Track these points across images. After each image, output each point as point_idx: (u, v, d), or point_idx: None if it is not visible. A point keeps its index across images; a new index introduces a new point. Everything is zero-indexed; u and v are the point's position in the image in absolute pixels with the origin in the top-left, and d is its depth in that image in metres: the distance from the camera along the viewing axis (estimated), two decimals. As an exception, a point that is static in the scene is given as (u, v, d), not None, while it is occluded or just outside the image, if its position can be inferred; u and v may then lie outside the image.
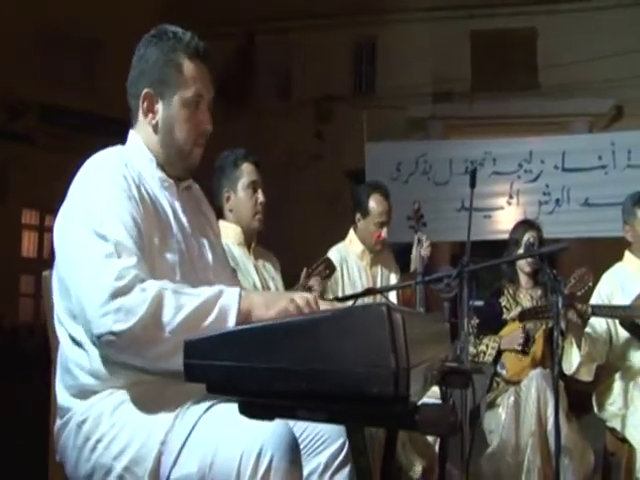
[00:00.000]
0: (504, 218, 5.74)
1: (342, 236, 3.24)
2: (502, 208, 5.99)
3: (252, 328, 1.10)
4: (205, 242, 1.72)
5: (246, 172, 2.51)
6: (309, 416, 1.07)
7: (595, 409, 3.06)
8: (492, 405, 3.03)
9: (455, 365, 1.62)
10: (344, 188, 7.40)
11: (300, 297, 1.39)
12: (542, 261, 3.05)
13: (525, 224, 3.31)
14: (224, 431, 1.35)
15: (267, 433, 1.29)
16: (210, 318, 1.35)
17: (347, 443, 1.70)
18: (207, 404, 1.44)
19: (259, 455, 1.26)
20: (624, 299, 3.00)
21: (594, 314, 2.81)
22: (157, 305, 1.34)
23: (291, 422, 1.71)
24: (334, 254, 3.05)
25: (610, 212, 5.34)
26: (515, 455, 2.71)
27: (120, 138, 1.69)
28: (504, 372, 3.00)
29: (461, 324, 2.48)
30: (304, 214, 8.56)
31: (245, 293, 1.41)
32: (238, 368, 1.04)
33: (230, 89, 10.25)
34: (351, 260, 3.08)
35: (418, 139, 7.78)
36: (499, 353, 3.03)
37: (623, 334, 3.02)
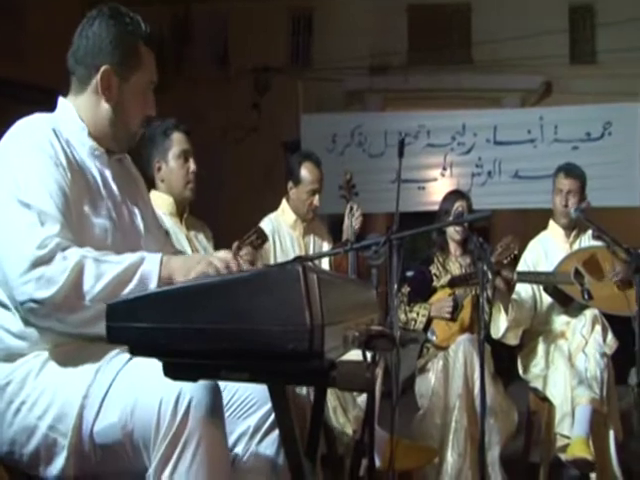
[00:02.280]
0: (438, 189, 5.85)
1: (278, 207, 3.24)
2: (436, 180, 6.11)
3: (172, 290, 1.10)
4: (136, 210, 1.73)
5: (177, 141, 2.48)
6: (232, 376, 1.08)
7: (520, 371, 3.19)
8: (422, 370, 3.12)
9: (380, 329, 1.65)
10: (280, 159, 7.36)
11: (219, 259, 1.40)
12: (470, 230, 3.15)
13: (455, 194, 3.39)
14: (144, 380, 1.36)
15: None
16: (131, 285, 1.37)
17: None
18: (127, 356, 1.44)
19: (178, 398, 1.28)
20: (548, 266, 3.13)
21: (520, 280, 2.92)
22: (78, 273, 1.35)
23: (221, 385, 1.75)
24: (266, 224, 3.05)
25: (539, 184, 5.53)
26: (444, 416, 2.81)
27: (47, 106, 1.66)
28: (434, 338, 3.09)
29: (391, 292, 2.53)
30: (240, 185, 8.49)
31: (166, 259, 1.42)
32: (159, 329, 1.05)
33: (166, 57, 10.01)
34: (283, 230, 3.09)
35: (355, 112, 7.79)
36: (429, 320, 3.11)
37: (547, 300, 3.16)
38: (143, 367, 1.38)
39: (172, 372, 1.13)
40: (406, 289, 3.25)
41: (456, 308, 3.07)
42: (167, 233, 2.21)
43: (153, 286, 1.37)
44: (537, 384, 3.04)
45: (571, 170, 3.20)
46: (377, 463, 2.39)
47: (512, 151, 5.99)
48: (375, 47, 8.84)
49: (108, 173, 1.65)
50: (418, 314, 3.11)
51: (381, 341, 1.70)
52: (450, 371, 2.84)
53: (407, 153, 6.43)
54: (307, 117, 6.26)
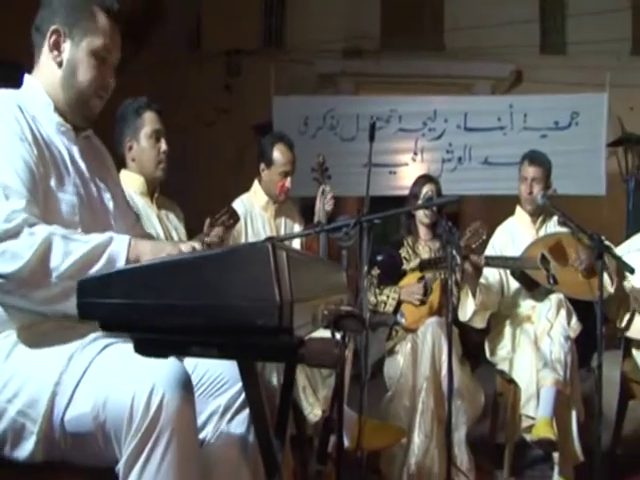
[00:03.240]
0: (409, 174, 5.86)
1: (250, 189, 3.23)
2: (407, 164, 6.13)
3: (143, 266, 1.10)
4: (105, 189, 1.71)
5: (148, 121, 2.45)
6: (202, 352, 1.09)
7: (487, 354, 3.25)
8: (391, 352, 3.16)
9: (350, 309, 1.67)
10: (252, 142, 7.31)
11: (186, 245, 1.40)
12: (439, 214, 3.19)
13: (424, 178, 3.41)
14: (118, 371, 1.36)
15: (160, 372, 1.31)
16: (98, 265, 1.37)
17: None
18: (102, 345, 1.44)
19: (151, 393, 1.27)
20: (515, 251, 3.18)
21: (488, 265, 2.96)
22: (45, 250, 1.34)
23: (192, 365, 1.76)
24: (238, 205, 3.03)
25: (508, 171, 5.58)
26: (412, 398, 2.85)
27: (12, 83, 1.64)
28: (403, 321, 3.12)
29: (360, 274, 2.55)
30: (212, 167, 8.43)
31: (134, 241, 1.42)
32: (130, 305, 1.04)
33: (137, 35, 9.82)
34: (255, 211, 3.08)
35: (327, 95, 7.77)
36: (399, 303, 3.14)
37: (513, 285, 3.22)
38: (118, 357, 1.39)
39: (143, 348, 1.13)
40: (376, 272, 3.27)
41: (426, 292, 3.11)
42: (137, 215, 2.19)
43: (120, 267, 1.36)
44: (503, 367, 3.10)
45: (536, 158, 3.26)
46: (345, 442, 2.42)
47: (482, 138, 6.04)
48: (348, 31, 8.81)
49: (75, 150, 1.64)
50: (388, 297, 3.14)
51: (350, 321, 1.72)
52: (418, 353, 2.88)
53: (378, 137, 6.43)
54: (279, 99, 6.22)
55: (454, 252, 2.76)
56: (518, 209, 3.35)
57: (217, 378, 1.75)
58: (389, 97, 6.49)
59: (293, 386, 1.65)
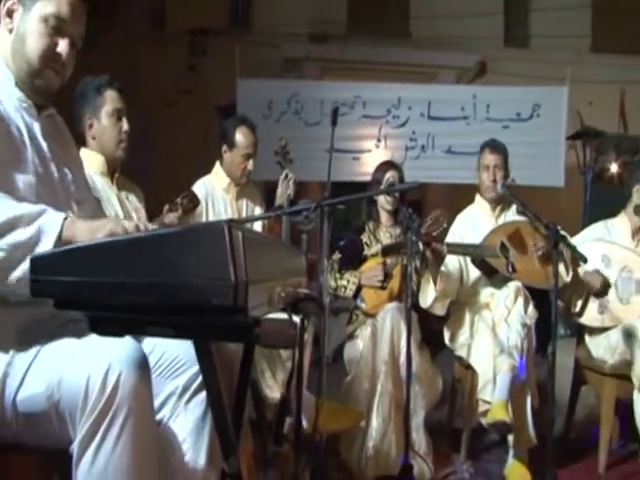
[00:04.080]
0: (372, 160, 5.84)
1: (212, 170, 3.19)
2: (370, 151, 6.13)
3: (98, 244, 1.07)
4: (67, 171, 1.66)
5: (110, 99, 2.40)
6: (158, 332, 1.07)
7: (446, 340, 3.29)
8: (351, 337, 3.17)
9: (308, 292, 1.67)
10: (215, 123, 7.23)
11: (129, 222, 1.35)
12: (401, 201, 3.21)
13: (387, 164, 3.43)
14: (73, 350, 1.34)
15: (116, 351, 1.29)
16: (24, 233, 1.27)
17: None
18: (55, 325, 1.41)
19: (107, 372, 1.26)
20: (474, 239, 3.22)
21: (449, 252, 2.98)
22: None
23: (150, 346, 1.74)
24: (200, 187, 3.01)
25: (471, 160, 5.59)
26: (371, 382, 2.86)
27: None
28: (363, 305, 3.14)
29: (320, 258, 2.55)
30: (176, 148, 8.31)
31: (71, 219, 1.32)
32: (83, 283, 1.02)
33: (100, 11, 9.56)
34: (217, 193, 3.05)
35: (292, 79, 7.71)
36: (359, 288, 3.15)
37: (473, 272, 3.26)
38: (72, 337, 1.36)
39: (98, 327, 1.11)
40: (337, 256, 3.28)
41: (386, 277, 3.12)
42: (98, 200, 2.14)
43: (49, 242, 1.27)
44: (462, 353, 3.15)
45: (496, 146, 3.31)
46: (304, 425, 2.43)
47: (445, 127, 6.08)
48: (315, 16, 8.74)
49: (37, 128, 1.59)
50: (348, 281, 3.14)
51: (308, 304, 1.72)
52: (377, 338, 2.89)
53: (342, 123, 6.42)
54: (243, 82, 6.14)
55: (414, 238, 2.78)
56: (478, 197, 3.39)
57: (175, 359, 1.74)
58: (354, 83, 6.47)
59: (251, 367, 1.64)
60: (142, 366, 1.31)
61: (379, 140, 6.19)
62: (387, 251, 3.01)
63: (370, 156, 6.12)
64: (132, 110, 2.49)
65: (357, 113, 6.13)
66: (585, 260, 2.78)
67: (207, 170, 3.20)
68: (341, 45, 8.39)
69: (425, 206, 7.32)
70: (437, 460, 2.94)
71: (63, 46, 1.56)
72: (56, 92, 1.65)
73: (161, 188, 3.53)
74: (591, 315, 3.27)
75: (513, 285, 2.93)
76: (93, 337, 1.27)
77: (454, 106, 6.13)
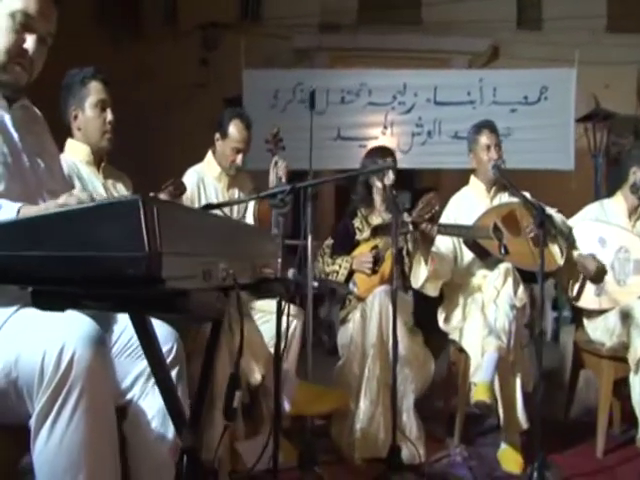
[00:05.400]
0: (379, 148, 5.87)
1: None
2: (377, 138, 6.09)
3: (28, 218, 1.10)
4: (40, 161, 1.70)
5: (94, 90, 2.44)
6: (95, 305, 1.10)
7: (440, 323, 3.28)
8: (344, 321, 3.18)
9: (271, 272, 1.69)
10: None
11: (83, 193, 1.38)
12: (399, 186, 3.20)
13: (379, 148, 3.43)
14: (30, 329, 1.37)
15: (71, 330, 1.33)
16: None
17: (175, 346, 1.79)
18: (13, 308, 1.44)
19: (62, 350, 1.30)
20: (468, 220, 3.19)
21: (440, 233, 2.96)
22: None
23: (121, 327, 1.78)
24: (191, 174, 3.04)
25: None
26: (361, 365, 2.87)
27: None
28: (355, 290, 3.14)
29: (305, 242, 2.57)
30: (189, 141, 8.37)
31: (24, 209, 1.36)
32: (15, 257, 1.05)
33: (115, 13, 9.72)
34: (208, 181, 3.08)
35: (299, 69, 7.71)
36: (351, 273, 3.16)
37: (467, 254, 3.24)
38: (30, 318, 1.39)
39: (39, 302, 1.14)
40: (329, 241, 3.30)
41: (377, 261, 3.12)
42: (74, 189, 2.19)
43: None
44: (455, 335, 3.14)
45: (493, 125, 3.29)
46: (287, 407, 2.46)
47: (452, 112, 6.03)
48: (325, 5, 8.72)
49: (8, 119, 1.63)
50: (340, 266, 3.16)
51: (274, 285, 1.75)
52: (367, 321, 2.90)
53: (348, 111, 6.43)
54: (249, 72, 6.17)
55: (404, 219, 2.79)
56: (473, 179, 3.37)
57: (144, 339, 1.78)
58: (359, 70, 6.46)
59: (217, 345, 1.67)
60: (98, 344, 1.34)
61: (385, 127, 6.16)
62: (376, 231, 3.00)
63: (377, 143, 6.07)
64: (147, 105, 2.52)
65: (363, 100, 6.12)
66: (570, 241, 2.76)
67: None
68: (352, 34, 8.37)
69: (441, 192, 7.25)
70: (431, 444, 2.93)
71: (30, 42, 1.60)
72: (26, 86, 1.68)
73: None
74: (588, 298, 3.24)
75: (503, 266, 2.89)
76: (50, 316, 1.31)
77: (460, 91, 6.08)
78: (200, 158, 3.23)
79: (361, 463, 2.75)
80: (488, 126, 3.26)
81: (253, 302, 2.79)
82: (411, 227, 2.83)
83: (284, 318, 2.81)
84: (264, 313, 2.78)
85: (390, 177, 3.27)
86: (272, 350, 2.67)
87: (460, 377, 3.13)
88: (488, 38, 8.32)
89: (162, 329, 1.81)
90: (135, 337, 1.76)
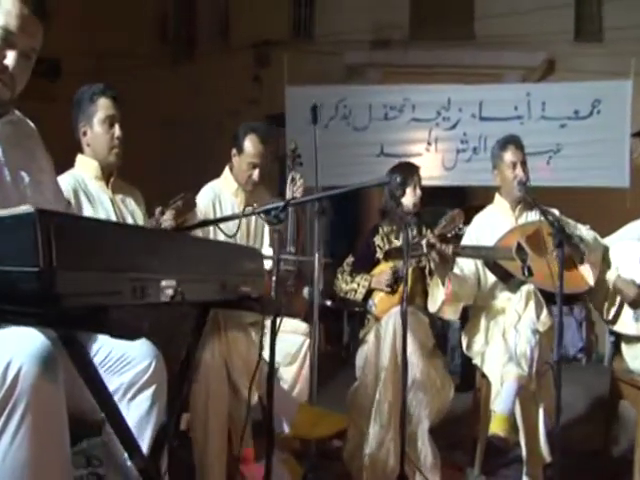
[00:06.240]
0: (422, 164, 5.71)
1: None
2: (420, 154, 5.95)
3: None
4: (24, 174, 1.70)
5: (102, 107, 2.47)
6: (21, 321, 1.08)
7: (463, 348, 3.15)
8: (362, 342, 3.10)
9: (249, 291, 1.65)
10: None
11: None
12: (421, 202, 3.10)
13: (402, 164, 3.35)
14: None
15: (19, 347, 1.30)
16: None
17: (153, 364, 1.76)
18: None
19: (7, 366, 1.27)
20: (492, 240, 3.06)
21: (457, 254, 2.85)
22: None
23: (98, 344, 1.77)
24: (207, 191, 3.03)
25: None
26: (373, 388, 2.78)
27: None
28: (373, 309, 3.06)
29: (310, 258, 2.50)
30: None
31: None
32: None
33: (169, 33, 10.03)
34: (224, 196, 3.06)
35: (342, 84, 7.68)
36: (370, 291, 3.08)
37: (491, 277, 3.09)
38: None
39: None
40: (350, 259, 3.23)
41: (396, 280, 3.03)
42: (69, 203, 2.21)
43: None
44: (477, 360, 3.00)
45: (519, 141, 3.14)
46: (286, 429, 2.39)
47: (498, 127, 5.80)
48: (376, 21, 8.68)
49: None
50: (359, 285, 3.08)
51: (250, 303, 1.70)
52: (381, 343, 2.80)
53: (391, 127, 6.34)
54: (291, 89, 6.17)
55: (416, 241, 2.69)
56: (497, 197, 3.23)
57: (122, 357, 1.78)
58: (402, 86, 6.34)
59: (191, 364, 1.63)
60: (46, 362, 1.31)
61: (429, 143, 6.03)
62: (389, 254, 2.92)
63: (420, 160, 5.93)
64: (200, 122, 2.53)
65: (406, 116, 6.01)
66: (582, 260, 2.62)
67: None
68: (403, 50, 8.29)
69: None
70: (450, 473, 2.82)
71: (11, 58, 1.61)
72: (11, 101, 1.70)
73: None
74: (626, 322, 3.03)
75: (525, 289, 2.74)
76: (4, 331, 1.30)
77: (507, 106, 5.88)
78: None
79: (369, 489, 2.65)
80: (514, 142, 3.12)
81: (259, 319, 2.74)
82: (425, 249, 2.72)
83: (291, 336, 2.78)
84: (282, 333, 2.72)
85: (416, 193, 3.19)
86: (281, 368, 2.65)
87: (482, 404, 2.99)
88: (542, 52, 8.08)
89: (142, 346, 1.79)
90: (113, 352, 1.78)
